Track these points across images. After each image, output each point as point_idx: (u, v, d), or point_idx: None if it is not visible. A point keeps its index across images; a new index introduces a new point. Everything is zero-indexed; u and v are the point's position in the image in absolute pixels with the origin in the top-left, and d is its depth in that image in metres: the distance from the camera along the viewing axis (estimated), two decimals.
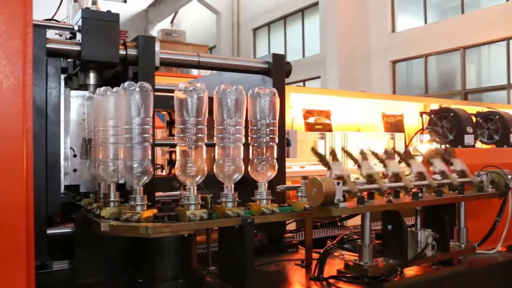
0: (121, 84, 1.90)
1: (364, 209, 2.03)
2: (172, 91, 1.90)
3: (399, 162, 2.40)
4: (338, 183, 1.92)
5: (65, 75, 2.20)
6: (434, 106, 4.80)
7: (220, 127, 1.92)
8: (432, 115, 3.06)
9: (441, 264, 2.33)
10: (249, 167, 1.99)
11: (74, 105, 2.19)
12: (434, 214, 2.34)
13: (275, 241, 2.65)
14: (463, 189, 2.37)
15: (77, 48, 2.07)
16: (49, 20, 2.41)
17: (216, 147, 1.95)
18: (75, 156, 2.17)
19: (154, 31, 21.20)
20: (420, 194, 2.19)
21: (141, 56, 2.16)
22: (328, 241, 2.44)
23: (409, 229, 2.21)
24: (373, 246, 2.07)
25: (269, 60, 2.54)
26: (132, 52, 2.15)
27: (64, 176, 2.14)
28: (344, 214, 2.04)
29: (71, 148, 2.17)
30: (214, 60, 2.60)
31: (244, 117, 1.96)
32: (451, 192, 2.37)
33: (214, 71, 2.91)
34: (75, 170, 2.17)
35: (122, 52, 2.14)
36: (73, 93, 2.20)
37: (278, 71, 2.52)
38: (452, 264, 2.36)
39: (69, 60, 2.19)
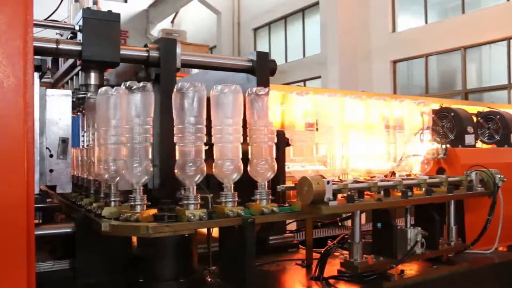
0: (122, 84, 1.90)
1: (353, 208, 2.06)
2: None
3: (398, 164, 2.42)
4: (328, 182, 1.94)
5: (40, 73, 2.14)
6: (435, 106, 4.79)
7: (218, 127, 1.92)
8: (433, 115, 3.05)
9: (442, 264, 2.34)
10: (249, 167, 1.99)
11: (51, 104, 2.14)
12: (424, 213, 2.37)
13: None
14: (452, 188, 2.38)
15: (53, 45, 2.05)
16: (46, 19, 2.41)
17: (214, 147, 1.95)
18: (51, 156, 2.13)
19: (155, 31, 21.18)
20: (409, 193, 2.21)
21: (163, 58, 2.19)
22: (329, 241, 2.45)
23: (398, 227, 2.22)
24: (363, 244, 2.10)
25: (254, 58, 2.49)
26: (154, 54, 2.18)
27: (40, 177, 2.07)
28: (333, 212, 2.08)
29: (47, 148, 2.12)
30: (195, 58, 2.51)
31: (241, 117, 1.95)
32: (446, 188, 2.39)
33: (201, 70, 2.88)
34: (51, 171, 2.13)
35: (144, 54, 2.18)
36: (50, 91, 2.13)
37: (262, 69, 2.48)
38: (442, 262, 2.37)
39: (42, 57, 2.15)
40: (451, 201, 2.44)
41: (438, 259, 2.38)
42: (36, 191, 2.03)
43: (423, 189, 2.31)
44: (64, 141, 2.08)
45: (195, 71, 7.86)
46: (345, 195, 2.05)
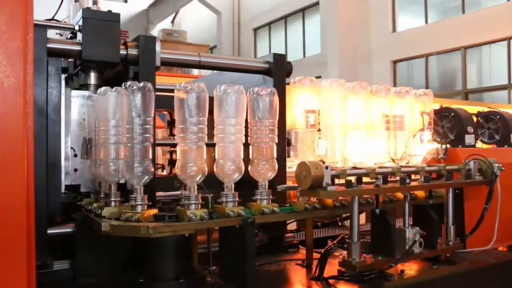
0: (123, 84, 1.90)
1: (352, 193, 2.05)
2: (173, 91, 1.91)
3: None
4: (327, 167, 1.94)
5: (66, 75, 2.20)
6: (435, 106, 4.80)
7: (220, 126, 1.92)
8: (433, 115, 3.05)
9: (442, 264, 2.34)
10: (250, 167, 1.99)
11: (75, 105, 2.20)
12: (422, 213, 2.37)
13: (276, 241, 2.65)
14: (451, 176, 2.38)
15: (78, 48, 2.07)
16: (50, 20, 2.41)
17: (216, 146, 1.95)
18: (75, 156, 2.17)
19: (155, 31, 21.19)
20: (407, 180, 2.21)
21: (142, 56, 2.16)
22: (329, 241, 2.44)
23: (396, 226, 2.23)
24: (361, 243, 2.10)
25: (270, 60, 2.53)
26: (133, 52, 2.16)
27: (65, 176, 2.14)
28: (332, 197, 2.08)
29: (71, 148, 2.17)
30: (215, 60, 2.60)
31: (244, 117, 1.96)
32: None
33: (215, 71, 2.91)
34: (75, 170, 2.17)
35: (123, 52, 2.14)
36: (74, 93, 2.21)
37: (278, 71, 2.51)
38: (439, 261, 2.37)
39: (69, 60, 2.19)
40: (449, 201, 2.43)
41: (438, 259, 2.38)
42: (62, 190, 2.12)
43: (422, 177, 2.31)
44: (87, 141, 2.11)
45: (195, 71, 7.85)
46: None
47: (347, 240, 2.12)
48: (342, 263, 2.12)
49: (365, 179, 2.21)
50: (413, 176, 2.34)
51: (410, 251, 2.18)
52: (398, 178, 2.23)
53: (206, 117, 1.87)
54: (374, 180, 2.19)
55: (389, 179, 2.25)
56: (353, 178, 2.09)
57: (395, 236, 2.19)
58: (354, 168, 2.15)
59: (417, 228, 2.23)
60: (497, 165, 2.51)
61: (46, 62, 2.00)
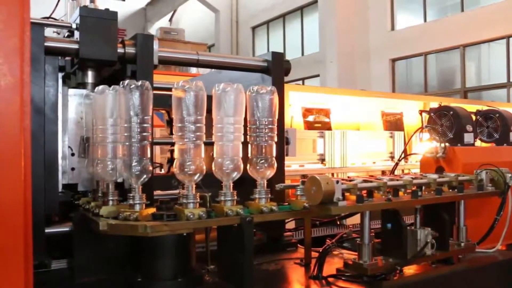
0: (121, 82, 1.89)
1: (363, 208, 2.02)
2: (171, 89, 1.90)
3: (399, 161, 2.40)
4: (337, 182, 1.91)
5: (63, 74, 2.19)
6: (434, 104, 4.80)
7: (219, 125, 1.91)
8: (432, 114, 3.05)
9: (441, 263, 2.33)
10: (248, 165, 1.98)
11: (72, 104, 2.19)
12: (433, 213, 2.33)
13: (275, 240, 2.65)
14: (462, 188, 2.36)
15: (75, 46, 2.06)
16: (47, 18, 2.40)
17: (215, 145, 1.94)
18: (73, 155, 2.16)
19: (153, 29, 21.16)
20: (419, 193, 2.18)
21: (140, 54, 2.16)
22: (327, 240, 2.44)
23: (408, 227, 2.20)
24: (372, 245, 2.06)
25: (268, 59, 2.52)
26: (131, 50, 2.15)
27: (62, 175, 2.13)
28: (343, 212, 2.03)
29: (69, 146, 2.16)
30: (213, 59, 2.59)
31: (243, 116, 1.95)
32: (450, 190, 2.37)
33: (213, 70, 2.91)
34: (73, 169, 2.17)
35: (120, 50, 2.13)
36: (71, 91, 2.20)
37: (277, 69, 2.51)
38: (451, 263, 2.36)
39: (66, 58, 2.18)
40: (461, 201, 2.41)
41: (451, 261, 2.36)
42: (59, 189, 2.11)
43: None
44: (85, 140, 2.10)
45: (193, 70, 7.84)
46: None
47: (357, 242, 2.09)
48: (352, 266, 2.07)
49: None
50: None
51: (421, 253, 2.16)
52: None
53: (204, 115, 1.86)
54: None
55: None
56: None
57: (407, 237, 2.15)
58: (365, 181, 2.08)
59: (429, 229, 2.20)
60: (510, 175, 2.50)
61: (43, 61, 1.99)
